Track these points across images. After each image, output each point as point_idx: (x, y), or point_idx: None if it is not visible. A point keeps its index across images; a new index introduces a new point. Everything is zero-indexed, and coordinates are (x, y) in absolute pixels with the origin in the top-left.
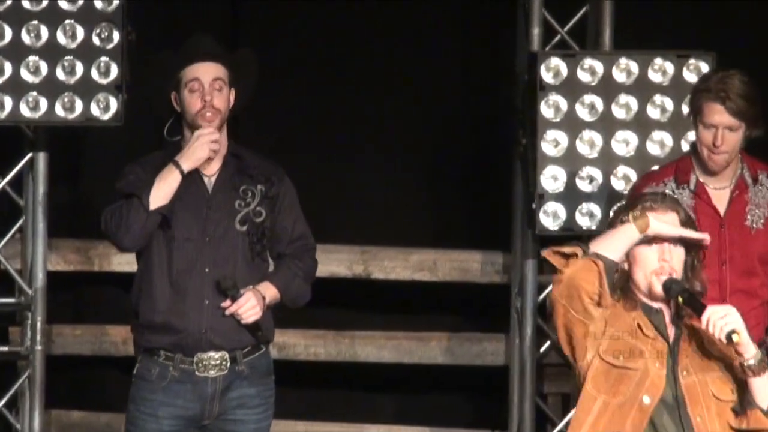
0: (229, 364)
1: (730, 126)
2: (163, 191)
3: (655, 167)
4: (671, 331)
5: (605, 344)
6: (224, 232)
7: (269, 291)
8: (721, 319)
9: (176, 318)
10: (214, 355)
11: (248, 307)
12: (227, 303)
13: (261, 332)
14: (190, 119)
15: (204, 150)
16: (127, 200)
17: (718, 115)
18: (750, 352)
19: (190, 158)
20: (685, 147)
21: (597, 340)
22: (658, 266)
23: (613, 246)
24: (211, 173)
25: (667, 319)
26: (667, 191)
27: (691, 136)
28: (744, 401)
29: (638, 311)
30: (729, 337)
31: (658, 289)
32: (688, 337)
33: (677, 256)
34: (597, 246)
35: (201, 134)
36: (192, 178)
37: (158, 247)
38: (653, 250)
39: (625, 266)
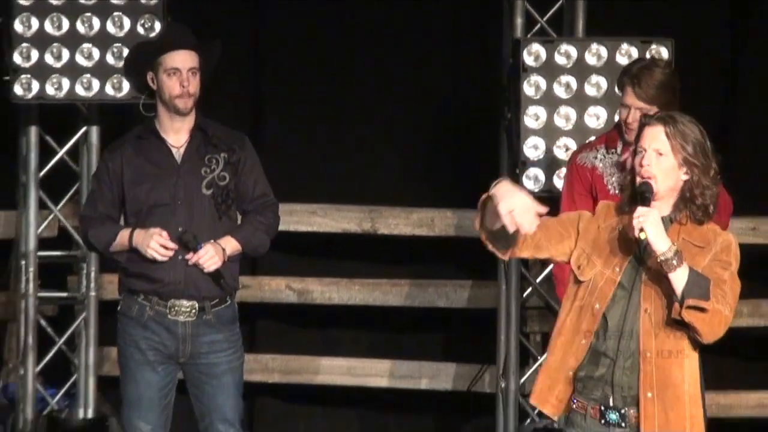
0: (197, 312)
1: (640, 108)
2: (117, 248)
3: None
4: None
5: (574, 256)
6: (193, 196)
7: (230, 243)
8: (636, 218)
9: (154, 270)
10: (186, 303)
11: (208, 257)
12: (190, 255)
13: (224, 280)
14: (167, 100)
15: (149, 255)
16: (90, 233)
17: (631, 98)
18: (659, 250)
19: (139, 246)
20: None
21: (568, 253)
22: (638, 170)
23: (486, 218)
24: (179, 145)
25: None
26: (599, 156)
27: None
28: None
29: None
30: (639, 234)
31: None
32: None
33: (658, 163)
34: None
35: (159, 251)
36: (162, 151)
37: (137, 213)
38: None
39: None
